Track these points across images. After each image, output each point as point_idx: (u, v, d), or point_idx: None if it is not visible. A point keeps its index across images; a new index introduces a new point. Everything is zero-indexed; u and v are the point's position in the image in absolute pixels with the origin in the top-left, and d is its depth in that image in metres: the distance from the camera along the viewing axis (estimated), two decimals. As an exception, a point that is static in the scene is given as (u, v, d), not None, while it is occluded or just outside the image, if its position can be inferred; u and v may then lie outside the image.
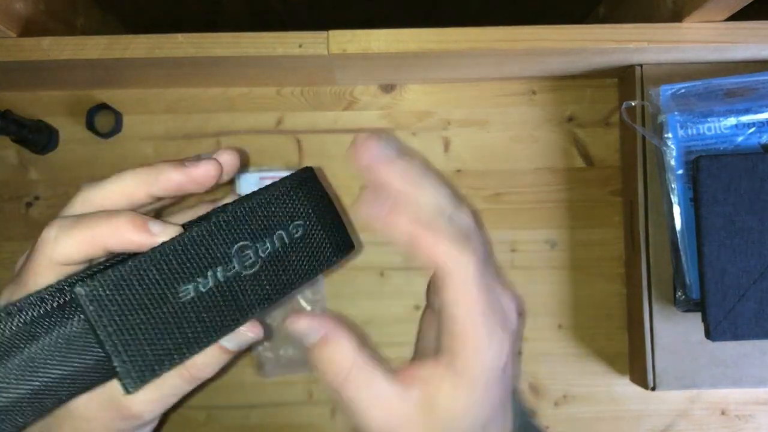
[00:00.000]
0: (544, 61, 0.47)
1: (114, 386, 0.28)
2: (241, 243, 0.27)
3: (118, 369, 0.25)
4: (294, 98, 0.52)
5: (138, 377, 0.26)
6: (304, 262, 0.29)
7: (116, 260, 0.27)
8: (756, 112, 0.44)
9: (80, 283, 0.24)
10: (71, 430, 0.29)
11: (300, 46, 0.42)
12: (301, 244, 0.29)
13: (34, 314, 0.25)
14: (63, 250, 0.27)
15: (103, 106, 0.51)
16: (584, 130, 0.52)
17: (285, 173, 0.50)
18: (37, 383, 0.25)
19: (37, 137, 0.49)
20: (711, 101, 0.45)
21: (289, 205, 0.29)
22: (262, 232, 0.27)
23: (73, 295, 0.24)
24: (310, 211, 0.29)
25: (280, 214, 0.28)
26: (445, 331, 0.28)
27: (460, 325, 0.27)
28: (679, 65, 0.47)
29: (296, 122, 0.52)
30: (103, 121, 0.51)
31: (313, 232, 0.29)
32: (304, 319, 0.28)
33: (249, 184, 0.50)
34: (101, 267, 0.27)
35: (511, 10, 0.66)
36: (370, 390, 0.27)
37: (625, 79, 0.49)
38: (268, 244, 0.28)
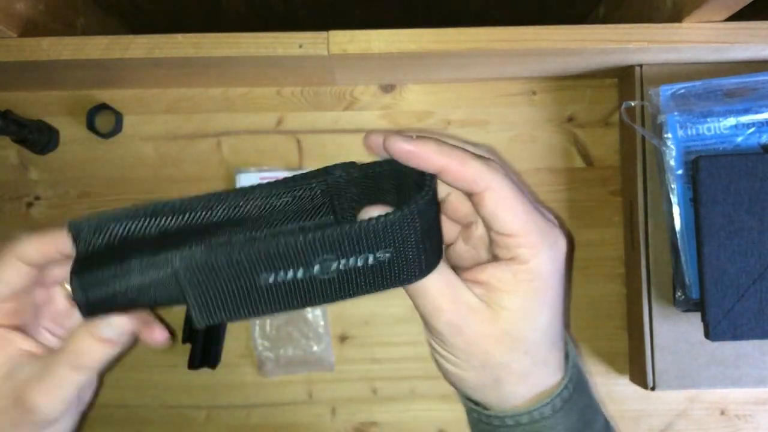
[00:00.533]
0: (544, 61, 0.47)
1: (17, 376, 0.30)
2: (329, 256, 0.27)
3: (191, 307, 0.28)
4: (294, 98, 0.52)
5: (201, 317, 0.28)
6: (378, 280, 0.29)
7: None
8: (755, 113, 0.44)
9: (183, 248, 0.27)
10: None
11: (300, 46, 0.42)
12: (383, 268, 0.29)
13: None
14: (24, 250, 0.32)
15: (104, 107, 0.51)
16: (584, 131, 0.52)
17: (285, 173, 0.50)
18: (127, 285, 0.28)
19: (38, 137, 0.50)
20: (710, 101, 0.45)
21: (390, 235, 0.28)
22: (352, 251, 0.28)
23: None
24: (409, 240, 0.28)
25: (377, 240, 0.28)
26: (497, 243, 0.29)
27: (508, 227, 0.29)
28: (679, 65, 0.47)
29: (296, 122, 0.52)
30: (103, 121, 0.51)
31: (399, 260, 0.28)
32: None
33: (248, 183, 0.50)
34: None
35: (511, 10, 0.66)
36: (439, 279, 0.29)
37: (625, 79, 0.49)
38: (351, 261, 0.28)
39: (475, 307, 0.29)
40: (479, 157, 0.29)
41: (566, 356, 0.32)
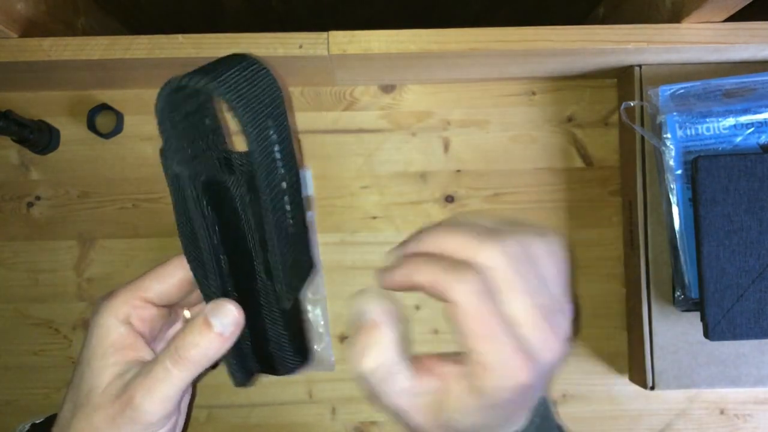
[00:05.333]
0: (544, 62, 0.47)
1: (126, 376, 0.30)
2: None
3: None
4: (294, 98, 0.52)
5: None
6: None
7: None
8: (754, 113, 0.45)
9: None
10: (82, 418, 0.30)
11: (300, 46, 0.42)
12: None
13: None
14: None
15: (104, 107, 0.51)
16: (583, 131, 0.52)
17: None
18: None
19: (39, 137, 0.50)
20: (710, 101, 0.45)
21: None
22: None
23: None
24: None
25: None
26: (465, 351, 0.29)
27: (475, 354, 0.28)
28: (678, 66, 0.47)
29: (297, 122, 0.52)
30: (104, 121, 0.52)
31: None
32: (371, 299, 0.29)
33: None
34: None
35: (511, 10, 0.66)
36: (389, 385, 0.29)
37: (625, 79, 0.49)
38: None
39: (420, 405, 0.29)
40: (455, 267, 0.28)
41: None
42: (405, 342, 0.29)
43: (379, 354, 0.29)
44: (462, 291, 0.27)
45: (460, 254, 0.28)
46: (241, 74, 0.28)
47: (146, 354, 0.32)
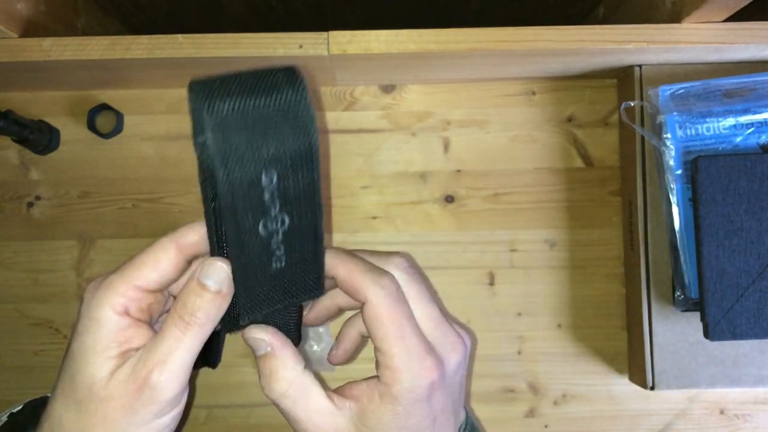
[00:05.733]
0: (544, 62, 0.47)
1: (133, 361, 0.28)
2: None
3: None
4: (294, 98, 0.52)
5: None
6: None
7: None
8: (755, 113, 0.45)
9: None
10: (92, 414, 0.29)
11: (300, 46, 0.42)
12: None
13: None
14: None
15: (104, 107, 0.51)
16: (583, 131, 0.52)
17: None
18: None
19: (39, 137, 0.50)
20: (710, 101, 0.45)
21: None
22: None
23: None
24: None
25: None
26: (376, 357, 0.31)
27: (377, 343, 0.30)
28: (678, 66, 0.47)
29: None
30: (104, 121, 0.52)
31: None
32: (257, 331, 0.30)
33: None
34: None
35: (511, 10, 0.66)
36: (306, 406, 0.30)
37: (625, 79, 0.49)
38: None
39: (339, 427, 0.30)
40: (369, 269, 0.30)
41: None
42: (313, 364, 0.31)
43: (284, 374, 0.30)
44: (377, 293, 0.30)
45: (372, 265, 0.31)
46: (252, 104, 0.24)
47: (145, 340, 0.30)
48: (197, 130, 0.25)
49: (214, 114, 0.24)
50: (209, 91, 0.24)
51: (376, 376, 0.31)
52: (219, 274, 0.29)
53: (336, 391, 0.31)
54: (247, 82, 0.25)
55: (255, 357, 0.30)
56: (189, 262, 0.31)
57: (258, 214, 0.26)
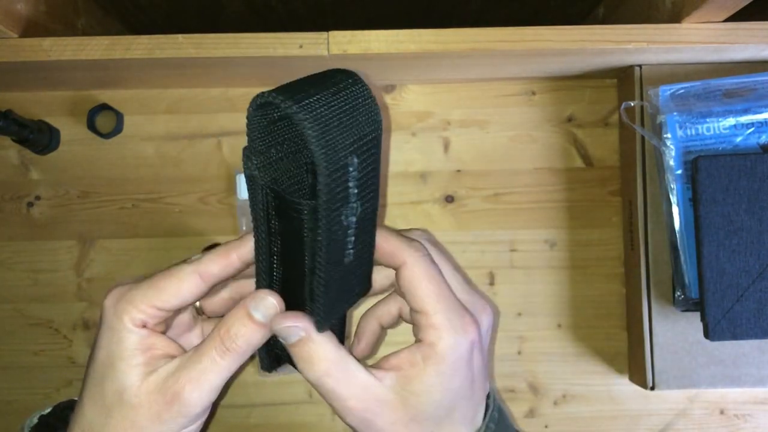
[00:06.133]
0: (544, 62, 0.47)
1: (161, 371, 0.29)
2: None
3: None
4: (294, 98, 0.52)
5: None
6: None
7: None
8: (755, 113, 0.45)
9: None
10: (120, 419, 0.29)
11: (300, 46, 0.42)
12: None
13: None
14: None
15: (104, 107, 0.51)
16: (583, 131, 0.52)
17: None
18: None
19: (39, 137, 0.50)
20: (710, 101, 0.45)
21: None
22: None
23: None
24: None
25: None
26: (413, 321, 0.31)
27: (419, 304, 0.30)
28: (678, 65, 0.47)
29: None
30: (104, 121, 0.52)
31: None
32: (287, 318, 0.30)
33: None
34: None
35: (511, 10, 0.66)
36: (348, 382, 0.30)
37: (625, 79, 0.49)
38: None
39: (383, 398, 0.30)
40: (403, 236, 0.32)
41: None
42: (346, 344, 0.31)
43: (324, 354, 0.30)
44: (414, 254, 0.31)
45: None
46: (331, 99, 0.26)
47: (172, 349, 0.31)
48: (290, 135, 0.27)
49: (309, 110, 0.25)
50: (292, 94, 0.25)
51: (415, 343, 0.31)
52: (268, 309, 0.30)
53: (374, 366, 0.31)
54: (318, 83, 0.26)
55: (288, 346, 0.30)
56: (210, 287, 0.32)
57: (345, 206, 0.28)
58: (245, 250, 0.31)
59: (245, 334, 0.30)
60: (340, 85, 0.27)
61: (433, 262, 0.31)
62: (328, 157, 0.25)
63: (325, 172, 0.25)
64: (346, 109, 0.26)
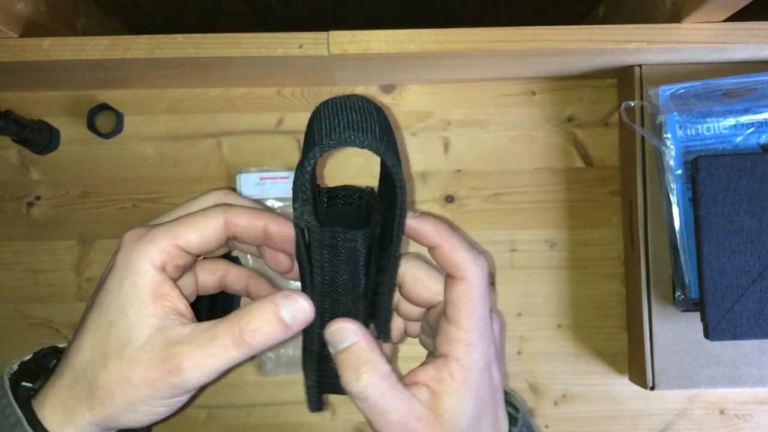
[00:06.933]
0: (544, 62, 0.47)
1: (169, 333, 0.29)
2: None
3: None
4: (294, 99, 0.52)
5: None
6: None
7: None
8: (755, 113, 0.45)
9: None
10: (116, 371, 0.29)
11: (300, 46, 0.42)
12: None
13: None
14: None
15: (104, 107, 0.51)
16: (583, 131, 0.52)
17: (285, 173, 0.50)
18: None
19: (39, 137, 0.50)
20: (710, 101, 0.45)
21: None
22: None
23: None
24: None
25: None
26: (441, 332, 0.31)
27: (461, 320, 0.30)
28: (678, 65, 0.47)
29: (297, 122, 0.52)
30: (104, 121, 0.52)
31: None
32: (343, 323, 0.30)
33: (249, 183, 0.50)
34: None
35: (511, 10, 0.66)
36: (392, 396, 0.29)
37: (625, 79, 0.49)
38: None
39: (420, 414, 0.30)
40: (470, 248, 0.32)
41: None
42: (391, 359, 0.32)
43: (375, 365, 0.29)
44: (477, 274, 0.31)
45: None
46: (382, 126, 0.28)
47: (181, 304, 0.30)
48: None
49: (388, 146, 0.28)
50: (370, 134, 0.28)
51: (438, 358, 0.31)
52: (298, 311, 0.29)
53: (409, 381, 0.31)
54: (372, 119, 0.29)
55: (336, 353, 0.30)
56: (228, 239, 0.32)
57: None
58: (277, 227, 0.31)
59: (266, 332, 0.29)
60: (373, 113, 0.29)
61: (487, 282, 0.32)
62: (401, 177, 0.28)
63: (400, 192, 0.28)
64: (387, 129, 0.29)
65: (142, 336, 0.29)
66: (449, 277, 0.31)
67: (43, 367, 0.33)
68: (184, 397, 0.30)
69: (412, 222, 0.31)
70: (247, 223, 0.31)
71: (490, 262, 0.33)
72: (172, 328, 0.29)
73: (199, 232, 0.30)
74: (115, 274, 0.30)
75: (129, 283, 0.29)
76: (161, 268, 0.30)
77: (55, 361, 0.33)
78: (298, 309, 0.29)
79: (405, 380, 0.31)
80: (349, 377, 0.29)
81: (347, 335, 0.30)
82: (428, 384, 0.30)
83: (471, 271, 0.31)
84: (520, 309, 0.52)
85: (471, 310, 0.30)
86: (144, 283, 0.29)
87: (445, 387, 0.30)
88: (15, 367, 0.32)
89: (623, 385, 0.51)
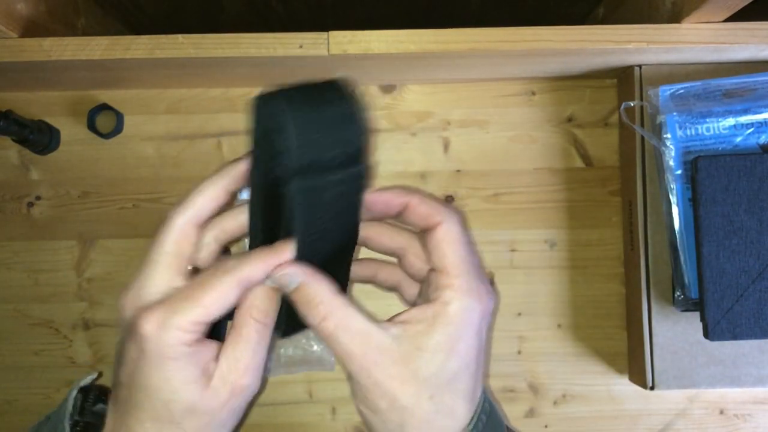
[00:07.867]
0: (544, 62, 0.47)
1: (224, 372, 0.29)
2: None
3: None
4: (294, 98, 0.52)
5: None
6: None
7: None
8: (754, 113, 0.45)
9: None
10: (195, 424, 0.29)
11: (300, 46, 0.42)
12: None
13: None
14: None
15: (104, 107, 0.51)
16: (583, 131, 0.52)
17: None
18: None
19: (39, 137, 0.50)
20: (710, 102, 0.45)
21: None
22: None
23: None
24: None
25: None
26: (430, 282, 0.31)
27: (444, 261, 0.31)
28: (678, 66, 0.47)
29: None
30: (104, 121, 0.52)
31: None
32: (286, 267, 0.30)
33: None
34: None
35: (511, 10, 0.66)
36: (348, 325, 0.29)
37: (624, 79, 0.49)
38: None
39: (386, 347, 0.29)
40: (440, 200, 0.33)
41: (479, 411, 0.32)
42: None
43: (321, 297, 0.30)
44: (452, 217, 0.32)
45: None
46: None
47: (214, 347, 0.30)
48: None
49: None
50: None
51: (422, 304, 0.31)
52: (293, 277, 0.30)
53: (389, 319, 0.31)
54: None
55: (290, 295, 0.30)
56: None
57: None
58: (285, 255, 0.31)
59: (273, 307, 0.31)
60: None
61: (465, 228, 0.32)
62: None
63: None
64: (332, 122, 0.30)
65: (203, 395, 0.29)
66: (426, 232, 0.32)
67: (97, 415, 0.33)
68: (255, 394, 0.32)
69: (372, 195, 0.31)
70: (261, 273, 0.31)
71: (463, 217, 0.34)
72: (217, 368, 0.30)
73: (217, 306, 0.30)
74: (151, 361, 0.29)
75: (172, 368, 0.29)
76: (192, 343, 0.29)
77: (102, 404, 0.34)
78: (291, 274, 0.30)
79: (388, 320, 0.31)
80: (304, 314, 0.30)
81: (291, 279, 0.30)
82: (408, 321, 0.30)
83: (445, 214, 0.31)
84: (520, 309, 0.52)
85: (453, 251, 0.31)
86: (184, 363, 0.29)
87: (425, 327, 0.29)
88: (74, 393, 0.34)
89: (623, 385, 0.51)
